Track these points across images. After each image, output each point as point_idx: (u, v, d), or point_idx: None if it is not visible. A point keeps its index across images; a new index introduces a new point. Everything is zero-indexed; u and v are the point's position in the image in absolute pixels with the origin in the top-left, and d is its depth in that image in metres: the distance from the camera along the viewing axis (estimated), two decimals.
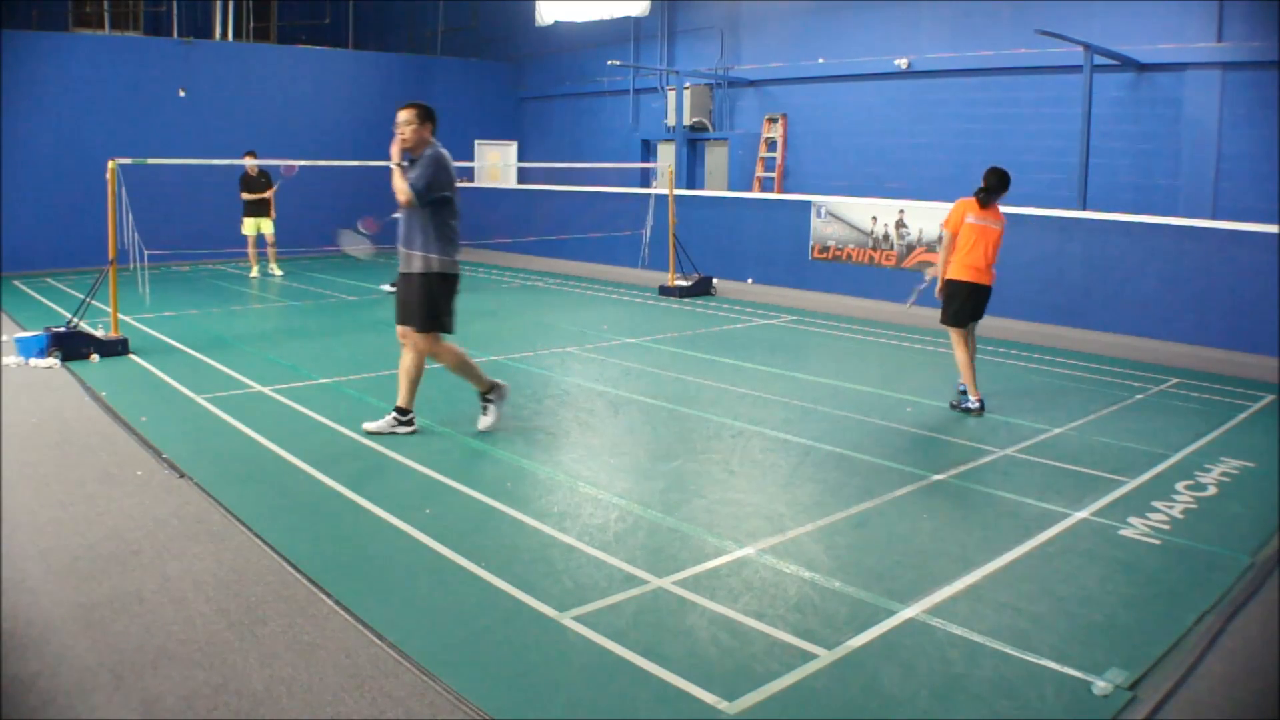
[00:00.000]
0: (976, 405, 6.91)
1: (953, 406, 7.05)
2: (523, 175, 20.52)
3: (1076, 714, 3.10)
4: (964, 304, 6.95)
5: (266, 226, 13.98)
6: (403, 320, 5.96)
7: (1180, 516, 4.92)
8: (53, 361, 8.06)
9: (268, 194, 13.83)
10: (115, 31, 18.64)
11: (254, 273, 14.43)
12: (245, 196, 13.76)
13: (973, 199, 6.94)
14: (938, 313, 6.71)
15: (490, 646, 3.47)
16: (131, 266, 9.14)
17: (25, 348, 8.21)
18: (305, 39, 20.99)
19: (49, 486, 5.10)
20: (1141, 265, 10.16)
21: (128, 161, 8.70)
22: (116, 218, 8.57)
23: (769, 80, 16.35)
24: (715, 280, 13.29)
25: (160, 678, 3.21)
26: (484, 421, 6.24)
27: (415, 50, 21.22)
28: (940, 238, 7.25)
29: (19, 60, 14.86)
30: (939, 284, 7.08)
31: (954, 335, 7.04)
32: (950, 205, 7.22)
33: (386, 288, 12.35)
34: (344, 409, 6.79)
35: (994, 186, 6.91)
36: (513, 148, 20.97)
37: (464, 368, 6.17)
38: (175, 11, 18.25)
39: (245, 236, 14.12)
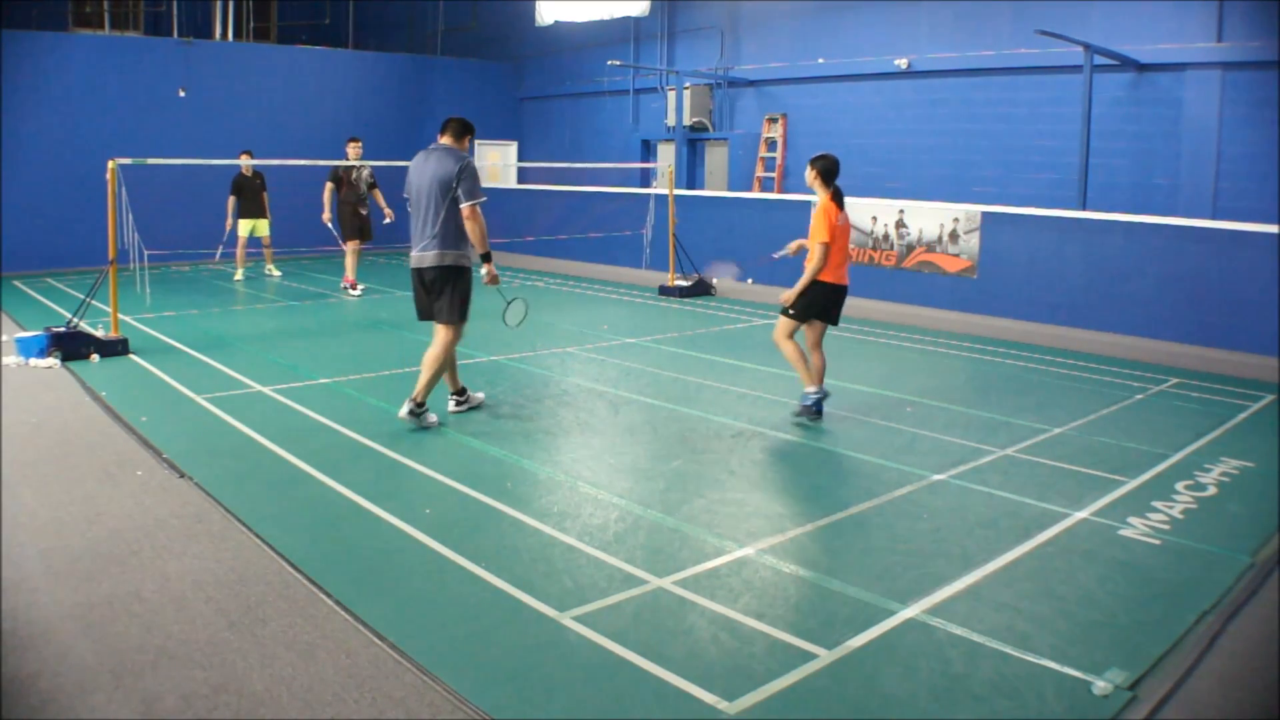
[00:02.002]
0: (819, 395, 6.59)
1: (799, 415, 6.67)
2: (523, 175, 20.51)
3: (1076, 714, 3.10)
4: (824, 303, 6.60)
5: (262, 228, 13.86)
6: None
7: (1180, 516, 4.92)
8: (53, 361, 8.05)
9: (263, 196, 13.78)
10: (115, 31, 18.63)
11: (239, 275, 14.16)
12: (237, 199, 13.64)
13: (831, 202, 6.49)
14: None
15: (490, 646, 3.47)
16: (131, 267, 9.14)
17: (25, 348, 8.21)
18: (305, 39, 20.97)
19: (49, 486, 5.10)
20: (1141, 265, 10.15)
21: (128, 161, 8.70)
22: (116, 218, 8.57)
23: (769, 80, 16.35)
24: (715, 280, 13.29)
25: (160, 678, 3.21)
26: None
27: (415, 50, 21.20)
28: (801, 248, 6.85)
29: (19, 60, 14.84)
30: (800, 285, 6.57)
31: (788, 328, 6.61)
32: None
33: None
34: (344, 409, 6.80)
35: (836, 175, 6.59)
36: (513, 148, 20.97)
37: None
38: (175, 11, 18.23)
39: (237, 237, 13.84)
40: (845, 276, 6.66)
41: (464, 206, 6.07)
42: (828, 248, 6.45)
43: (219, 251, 13.97)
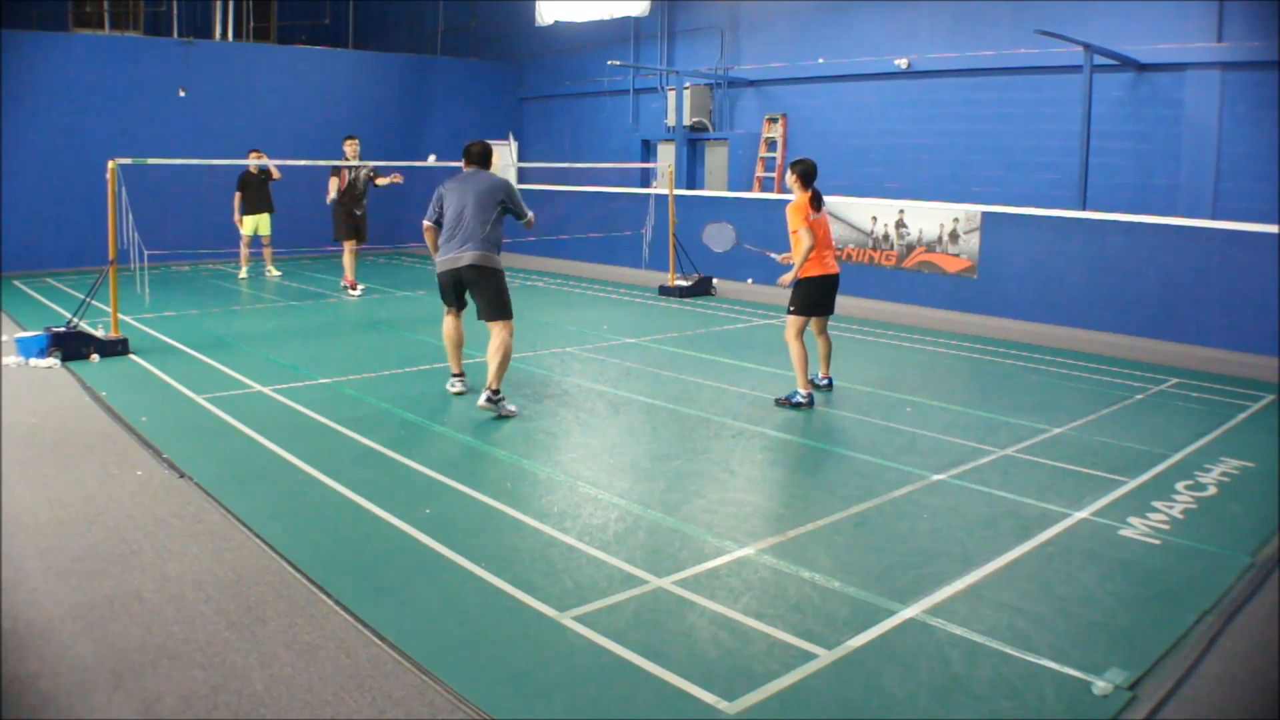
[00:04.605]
0: (805, 399, 7.00)
1: (779, 403, 7.07)
2: (523, 175, 20.51)
3: (1076, 714, 3.10)
4: (820, 296, 7.15)
5: (265, 226, 13.85)
6: None
7: (1180, 516, 4.92)
8: (53, 361, 8.06)
9: (268, 193, 13.77)
10: (115, 31, 18.63)
11: (243, 273, 14.26)
12: (242, 196, 13.64)
13: (804, 200, 7.01)
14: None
15: (490, 646, 3.47)
16: (131, 266, 9.13)
17: (25, 348, 8.21)
18: (305, 39, 20.96)
19: (49, 486, 5.10)
20: (1141, 265, 10.16)
21: (128, 161, 8.69)
22: (116, 218, 8.56)
23: (769, 80, 16.34)
24: (715, 280, 13.30)
25: (160, 678, 3.21)
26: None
27: (415, 50, 21.19)
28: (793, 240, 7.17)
29: (19, 60, 14.83)
30: (792, 275, 7.09)
31: (798, 326, 7.10)
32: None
33: None
34: (344, 409, 6.80)
35: (814, 178, 7.15)
36: (512, 146, 20.96)
37: (445, 344, 7.33)
38: (175, 11, 18.22)
39: (241, 235, 13.91)
40: (833, 266, 7.20)
41: (530, 217, 7.05)
42: (810, 235, 6.89)
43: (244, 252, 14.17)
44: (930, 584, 4.04)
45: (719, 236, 8.87)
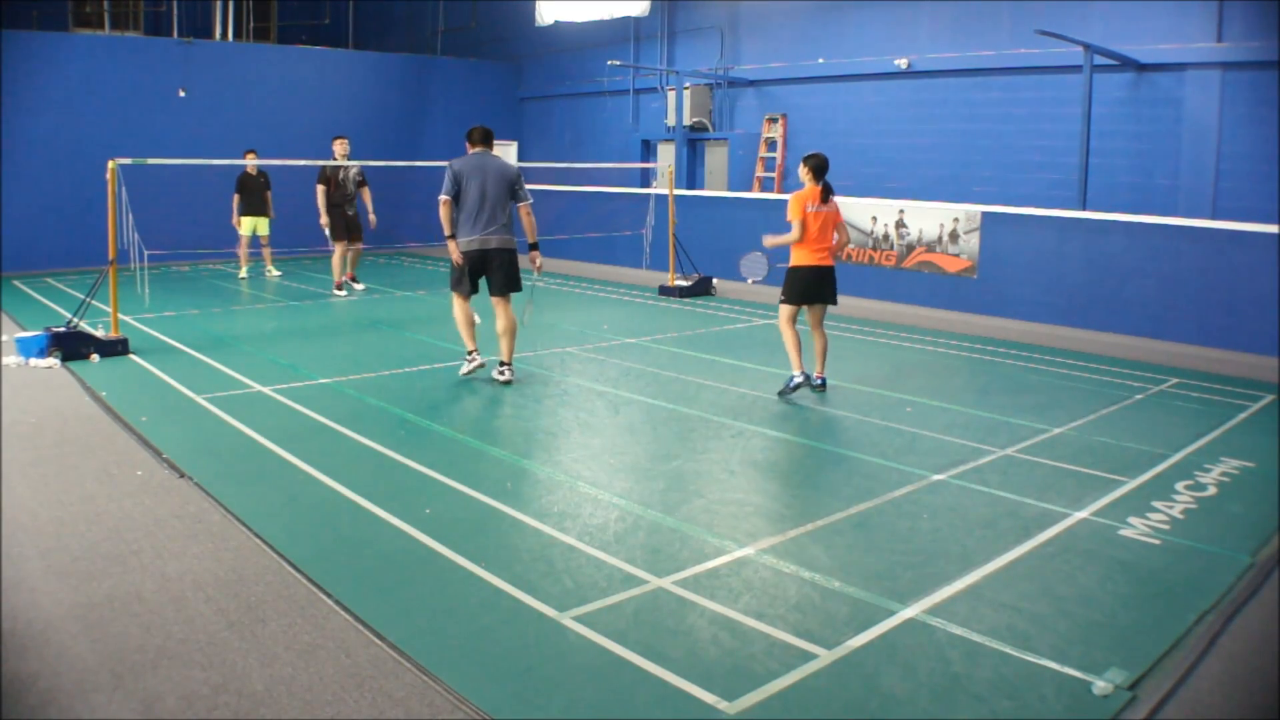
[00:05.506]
0: (800, 379, 7.16)
1: (781, 393, 7.24)
2: (523, 175, 20.49)
3: (1076, 714, 3.10)
4: (807, 286, 7.21)
5: (263, 227, 13.84)
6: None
7: (1180, 516, 4.92)
8: (53, 361, 8.05)
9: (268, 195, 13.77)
10: (115, 31, 18.62)
11: (243, 273, 14.28)
12: (240, 197, 13.62)
13: (808, 193, 7.09)
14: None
15: (490, 646, 3.47)
16: (131, 266, 9.14)
17: (25, 348, 8.21)
18: (305, 39, 20.97)
19: (49, 486, 5.10)
20: (1141, 265, 10.16)
21: (128, 161, 8.69)
22: (116, 218, 8.56)
23: (769, 80, 16.35)
24: (715, 280, 13.29)
25: (160, 678, 3.21)
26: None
27: (415, 50, 21.20)
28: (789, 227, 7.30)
29: (19, 60, 14.83)
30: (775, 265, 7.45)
31: (788, 313, 7.23)
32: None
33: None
34: (344, 409, 6.80)
35: (825, 172, 7.20)
36: (513, 148, 20.96)
37: (461, 325, 7.69)
38: (175, 11, 18.22)
39: (239, 235, 13.92)
40: (825, 260, 7.22)
41: (525, 204, 7.46)
42: (799, 227, 7.05)
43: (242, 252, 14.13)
44: (930, 584, 4.04)
45: (754, 267, 9.02)
